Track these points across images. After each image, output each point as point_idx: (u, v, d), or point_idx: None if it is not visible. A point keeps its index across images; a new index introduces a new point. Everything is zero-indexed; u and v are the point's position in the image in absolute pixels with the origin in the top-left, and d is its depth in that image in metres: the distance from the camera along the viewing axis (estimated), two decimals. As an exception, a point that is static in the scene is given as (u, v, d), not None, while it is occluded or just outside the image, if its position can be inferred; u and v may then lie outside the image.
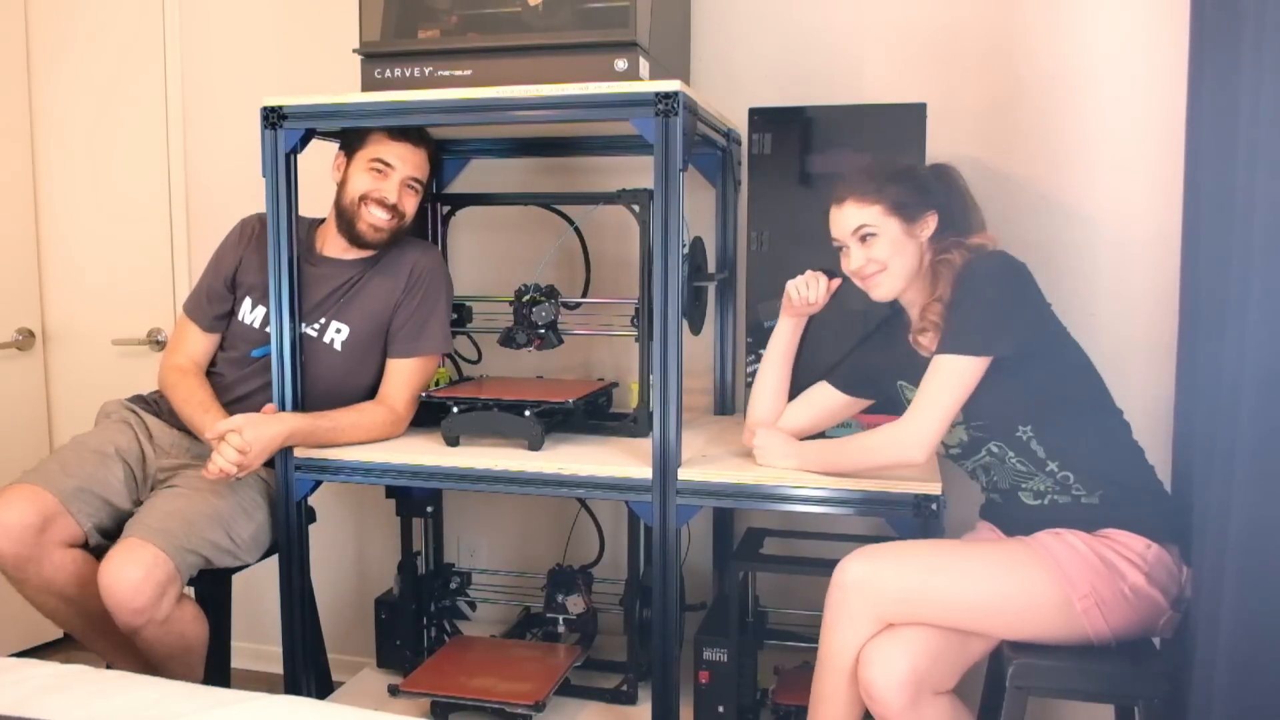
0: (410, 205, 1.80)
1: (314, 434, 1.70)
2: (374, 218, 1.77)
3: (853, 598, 1.38)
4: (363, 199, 1.76)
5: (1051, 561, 1.37)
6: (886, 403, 1.66)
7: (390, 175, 1.76)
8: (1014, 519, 1.50)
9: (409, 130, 1.76)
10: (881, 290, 1.52)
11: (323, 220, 1.87)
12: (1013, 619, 1.37)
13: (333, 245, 1.83)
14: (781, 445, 1.59)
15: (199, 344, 1.85)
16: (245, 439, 1.60)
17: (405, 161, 1.76)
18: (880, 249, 1.49)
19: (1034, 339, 1.46)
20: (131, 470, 1.76)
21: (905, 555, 1.42)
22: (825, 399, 1.66)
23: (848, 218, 1.50)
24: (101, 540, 1.69)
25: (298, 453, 1.73)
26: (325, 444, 1.72)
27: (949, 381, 1.43)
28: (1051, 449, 1.45)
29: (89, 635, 1.71)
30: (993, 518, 1.58)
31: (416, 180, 1.79)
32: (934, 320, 1.47)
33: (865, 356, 1.65)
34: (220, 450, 1.60)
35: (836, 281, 1.61)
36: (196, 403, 1.75)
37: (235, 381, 1.83)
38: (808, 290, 1.60)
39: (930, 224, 1.51)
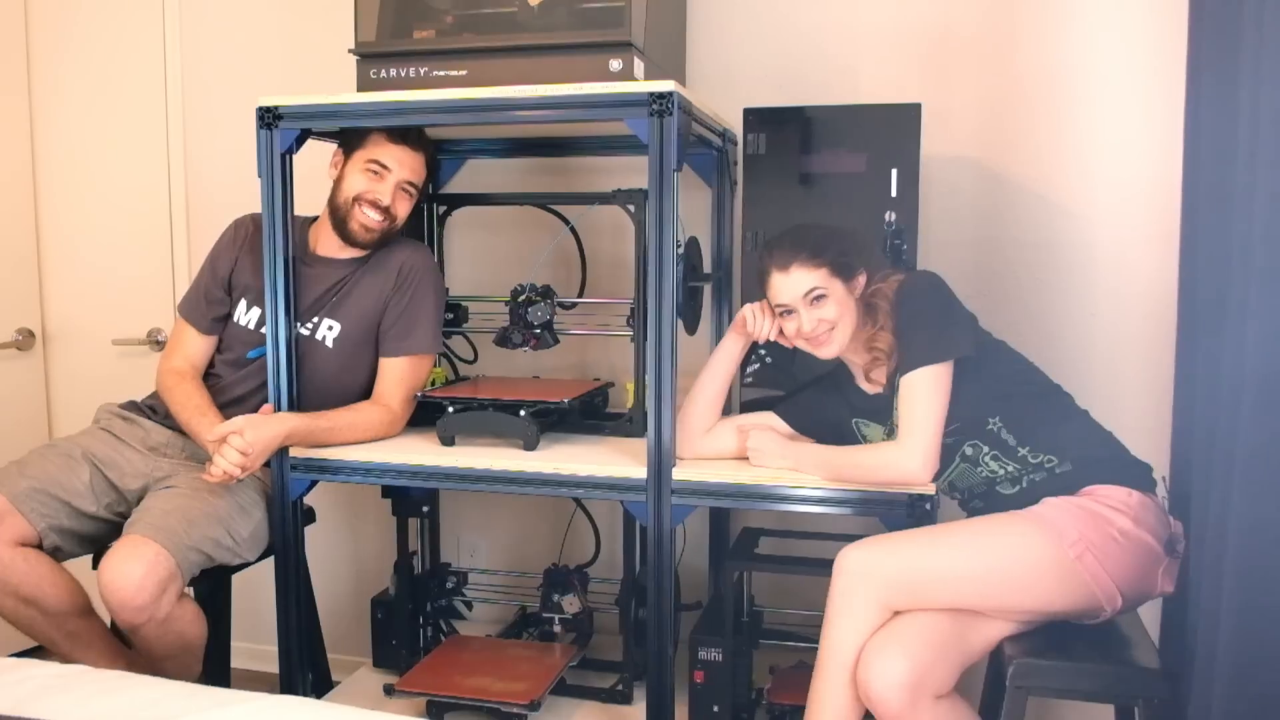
0: (403, 209, 1.80)
1: (312, 434, 1.70)
2: (366, 218, 1.77)
3: (856, 584, 1.38)
4: (356, 199, 1.76)
5: (1038, 520, 1.40)
6: (837, 440, 1.67)
7: (386, 178, 1.76)
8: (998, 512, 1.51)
9: (408, 133, 1.76)
10: (830, 350, 1.56)
11: (316, 218, 1.87)
12: (1014, 583, 1.37)
13: (326, 244, 1.84)
14: (778, 446, 1.60)
15: (197, 346, 1.85)
16: (246, 440, 1.60)
17: (402, 164, 1.76)
18: (829, 309, 1.54)
19: (978, 337, 1.54)
20: (102, 474, 1.75)
21: (901, 537, 1.44)
22: (769, 425, 1.67)
23: (797, 282, 1.53)
24: (60, 542, 1.69)
25: (294, 452, 1.73)
26: (323, 444, 1.72)
27: (926, 394, 1.47)
28: (1021, 434, 1.49)
29: (53, 636, 1.68)
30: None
31: (412, 184, 1.79)
32: (883, 350, 1.53)
33: (816, 397, 1.68)
34: (222, 453, 1.60)
35: (789, 342, 1.61)
36: (193, 407, 1.75)
37: (232, 383, 1.83)
38: (756, 325, 1.60)
39: (862, 282, 1.57)
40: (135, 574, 1.54)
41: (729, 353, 1.66)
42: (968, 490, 1.56)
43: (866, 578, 1.38)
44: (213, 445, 1.63)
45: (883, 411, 1.58)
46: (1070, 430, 1.51)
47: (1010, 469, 1.49)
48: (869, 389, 1.59)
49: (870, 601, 1.37)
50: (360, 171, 1.76)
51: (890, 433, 1.57)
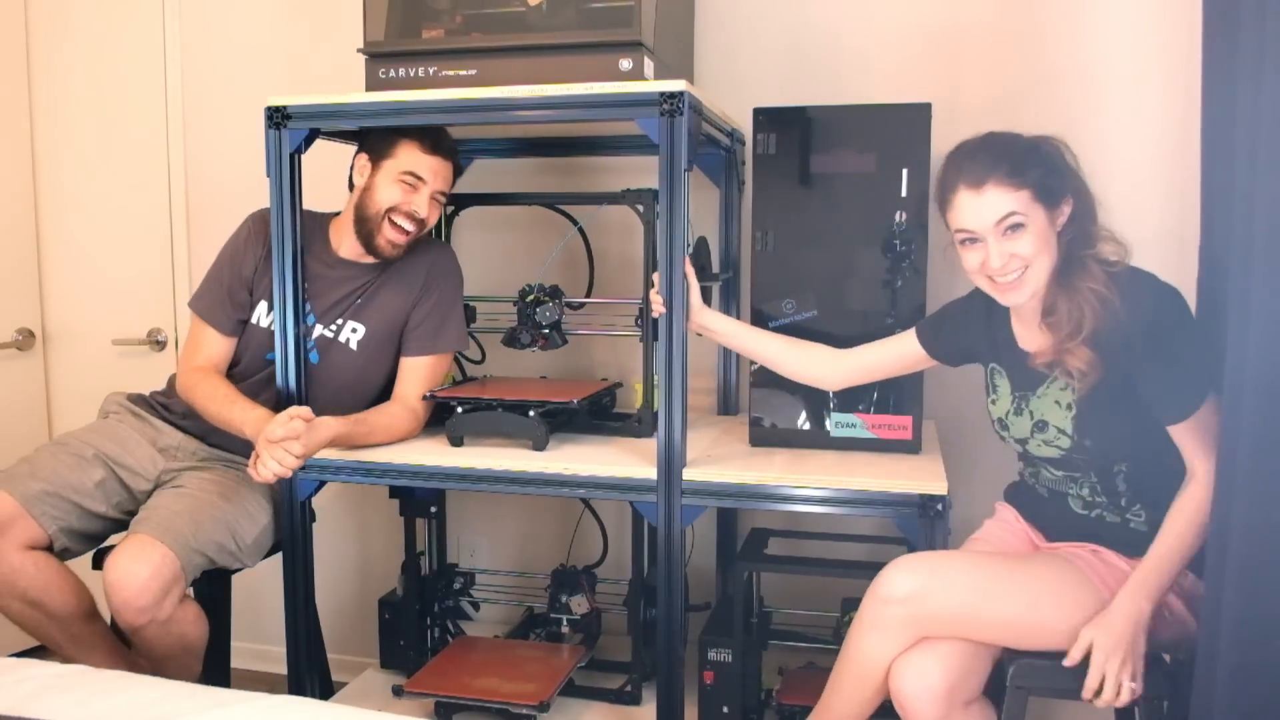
0: (434, 217, 1.78)
1: (351, 437, 1.68)
2: (394, 234, 1.74)
3: (897, 612, 1.32)
4: (390, 210, 1.73)
5: (1099, 582, 1.36)
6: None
7: (421, 189, 1.74)
8: (1054, 521, 1.49)
9: (440, 143, 1.74)
10: (1019, 296, 1.34)
11: (337, 214, 1.84)
12: (1054, 636, 1.34)
13: (349, 247, 1.81)
14: (1110, 636, 1.29)
15: (219, 347, 1.81)
16: (304, 444, 1.57)
17: (436, 175, 1.74)
18: (1026, 244, 1.30)
19: None
20: (114, 473, 1.74)
21: (954, 574, 1.35)
22: (905, 347, 1.57)
23: (991, 205, 1.28)
24: (69, 543, 1.68)
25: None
26: (358, 446, 1.70)
27: (1203, 437, 1.28)
28: (1135, 488, 1.40)
29: (58, 639, 1.67)
30: (1024, 505, 1.56)
31: (443, 193, 1.78)
32: (1081, 369, 1.31)
33: (963, 324, 1.52)
34: (277, 456, 1.55)
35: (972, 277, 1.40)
36: (222, 397, 1.71)
37: (248, 386, 1.81)
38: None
39: (1066, 211, 1.33)
40: (141, 575, 1.53)
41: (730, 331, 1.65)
42: (1036, 474, 1.51)
43: (914, 609, 1.32)
44: (267, 445, 1.56)
45: (1021, 376, 1.43)
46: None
47: (1098, 499, 1.42)
48: (1025, 347, 1.41)
49: (908, 630, 1.33)
50: (394, 183, 1.73)
51: (1017, 409, 1.44)
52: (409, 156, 1.73)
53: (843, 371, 1.63)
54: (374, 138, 1.76)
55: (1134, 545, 1.39)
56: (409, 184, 1.73)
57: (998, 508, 1.62)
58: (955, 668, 1.32)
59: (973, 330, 1.52)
